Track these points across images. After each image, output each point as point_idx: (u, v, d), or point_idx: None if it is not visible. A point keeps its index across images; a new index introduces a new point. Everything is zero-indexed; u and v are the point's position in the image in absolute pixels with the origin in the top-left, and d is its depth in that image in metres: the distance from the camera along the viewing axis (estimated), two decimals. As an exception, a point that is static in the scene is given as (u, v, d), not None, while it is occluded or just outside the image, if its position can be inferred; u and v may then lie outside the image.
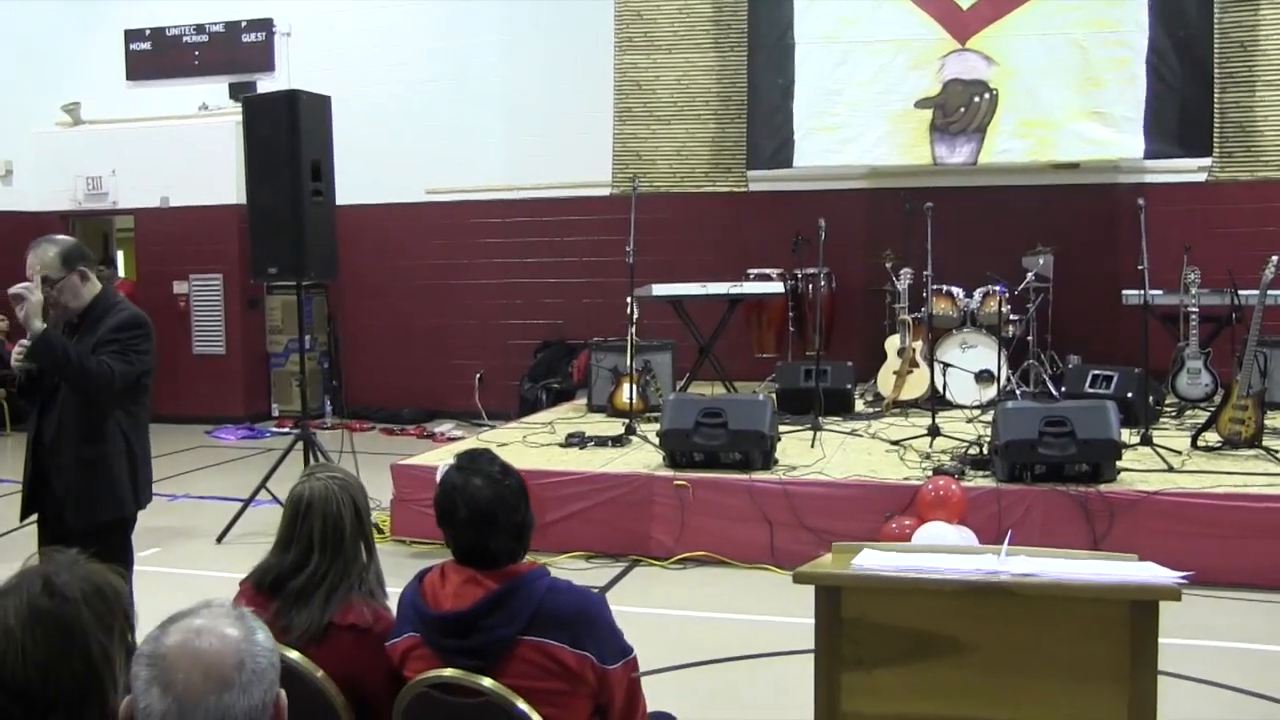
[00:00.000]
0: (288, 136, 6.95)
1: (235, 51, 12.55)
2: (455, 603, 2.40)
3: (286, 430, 11.44)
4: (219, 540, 7.01)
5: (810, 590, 2.53)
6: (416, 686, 2.36)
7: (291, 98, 7.01)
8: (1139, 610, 2.09)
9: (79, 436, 4.09)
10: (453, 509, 2.46)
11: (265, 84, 12.02)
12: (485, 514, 2.42)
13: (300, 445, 7.36)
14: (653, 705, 2.72)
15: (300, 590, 2.52)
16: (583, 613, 2.43)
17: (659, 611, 5.54)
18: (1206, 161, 9.97)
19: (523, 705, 2.28)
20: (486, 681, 2.30)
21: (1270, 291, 7.48)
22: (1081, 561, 2.25)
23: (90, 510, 4.08)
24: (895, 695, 2.23)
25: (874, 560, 2.28)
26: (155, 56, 12.77)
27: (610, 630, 2.46)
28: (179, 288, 12.29)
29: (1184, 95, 9.69)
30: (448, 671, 2.34)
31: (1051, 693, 2.16)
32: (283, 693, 1.58)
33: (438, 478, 6.58)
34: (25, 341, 3.98)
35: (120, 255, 13.79)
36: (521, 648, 2.35)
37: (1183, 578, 2.09)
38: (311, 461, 7.19)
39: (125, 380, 4.07)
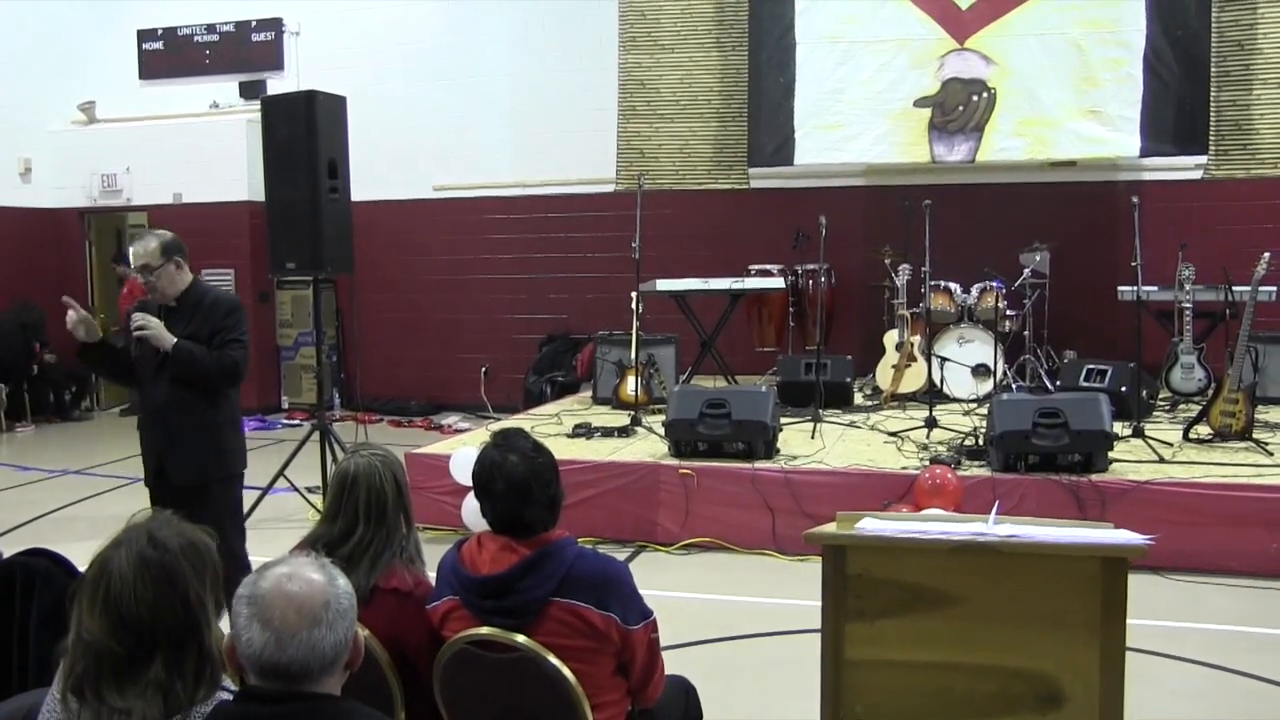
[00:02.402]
0: (305, 136, 7.14)
1: (245, 50, 12.74)
2: (492, 567, 2.62)
3: (297, 422, 11.66)
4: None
5: (808, 575, 2.74)
6: (456, 644, 2.57)
7: (309, 98, 7.20)
8: (1110, 567, 2.31)
9: (199, 403, 4.58)
10: (491, 483, 2.67)
11: (275, 82, 12.23)
12: (521, 487, 2.63)
13: (316, 435, 7.56)
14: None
15: (348, 557, 2.71)
16: (608, 577, 2.64)
17: (665, 594, 5.69)
18: (1203, 159, 10.08)
19: (554, 660, 2.49)
20: (520, 638, 2.52)
21: (1262, 287, 7.66)
22: (1060, 527, 2.48)
23: (200, 470, 4.56)
24: (894, 643, 2.46)
25: (875, 525, 2.51)
26: (167, 56, 12.97)
27: (633, 594, 2.67)
28: (191, 282, 12.48)
29: (1180, 94, 9.82)
30: (485, 630, 2.56)
31: (1032, 640, 2.39)
32: (360, 631, 1.80)
33: (451, 466, 6.77)
34: (141, 315, 4.45)
35: (132, 251, 13.97)
36: (552, 608, 2.56)
37: (1148, 540, 2.30)
38: (328, 450, 7.41)
39: (246, 364, 4.63)
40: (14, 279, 12.13)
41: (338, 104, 7.45)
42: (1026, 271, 9.39)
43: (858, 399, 9.17)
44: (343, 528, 2.79)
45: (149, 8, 12.94)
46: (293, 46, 12.63)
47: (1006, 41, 10.14)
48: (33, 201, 12.71)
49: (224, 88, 12.73)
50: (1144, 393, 7.79)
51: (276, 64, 12.61)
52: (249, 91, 12.37)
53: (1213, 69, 9.94)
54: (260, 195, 7.83)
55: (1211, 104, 9.95)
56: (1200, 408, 7.49)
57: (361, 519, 2.78)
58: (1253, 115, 10.06)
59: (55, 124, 12.86)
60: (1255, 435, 7.05)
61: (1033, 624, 2.37)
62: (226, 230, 12.27)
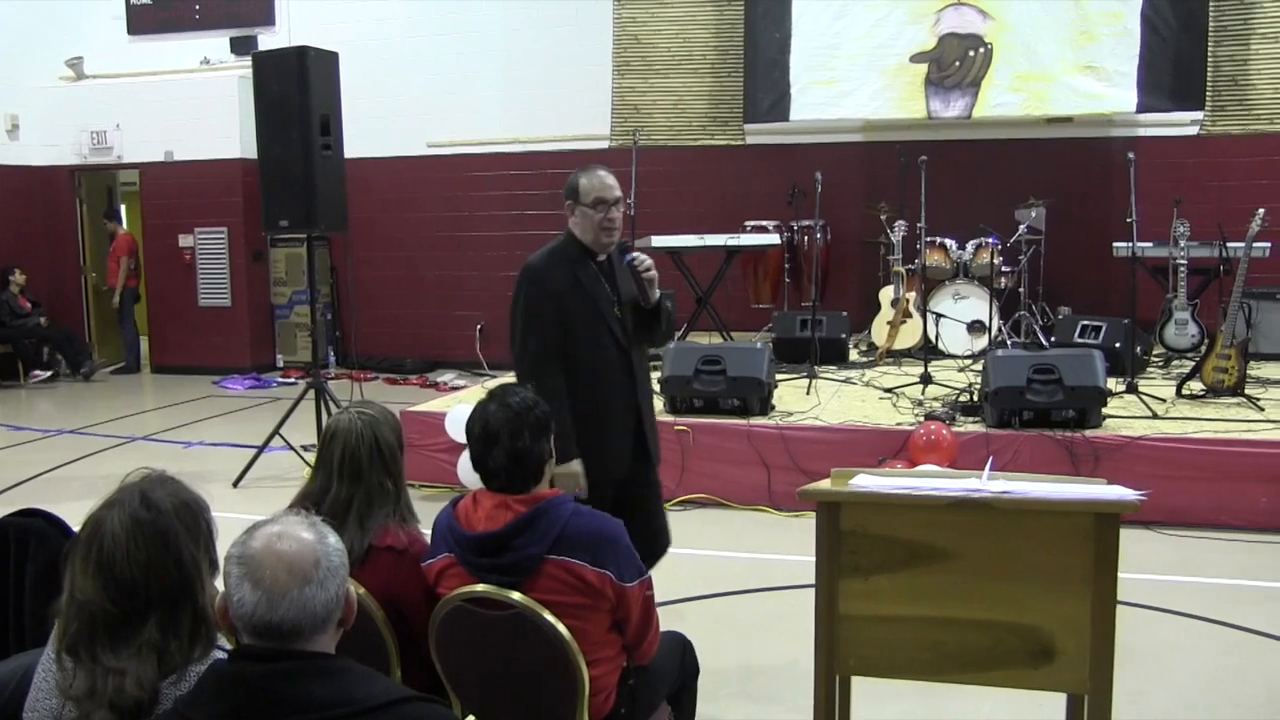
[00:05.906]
0: (297, 92, 7.07)
1: (235, 5, 12.57)
2: (488, 524, 2.62)
3: (293, 380, 11.65)
4: (235, 484, 7.23)
5: (803, 531, 2.74)
6: (452, 601, 2.58)
7: (301, 54, 7.12)
8: (1102, 522, 2.33)
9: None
10: (471, 425, 2.73)
11: (266, 38, 12.08)
12: (490, 434, 2.68)
13: (311, 394, 7.56)
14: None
15: (329, 513, 2.66)
16: (603, 535, 2.64)
17: (661, 550, 5.76)
18: (1199, 115, 10.05)
19: (549, 617, 2.50)
20: (516, 596, 2.53)
21: (1256, 244, 7.64)
22: (1053, 483, 2.49)
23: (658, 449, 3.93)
24: (888, 599, 2.48)
25: (870, 481, 2.52)
26: (156, 11, 12.79)
27: (628, 552, 2.67)
28: (184, 241, 12.44)
29: (1178, 49, 9.75)
30: (481, 587, 2.56)
31: (1025, 595, 2.41)
32: (352, 588, 1.80)
33: (446, 423, 6.78)
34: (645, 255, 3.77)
35: (124, 209, 13.90)
36: (548, 566, 2.57)
37: (1141, 495, 2.31)
38: (323, 408, 7.41)
39: None
40: (4, 238, 12.06)
41: (330, 60, 7.38)
42: (1022, 227, 9.37)
43: (853, 355, 9.18)
44: (320, 484, 2.79)
45: (137, -39, 12.78)
46: (283, 1, 12.47)
47: (1004, -5, 10.04)
48: (22, 159, 12.61)
49: (215, 43, 12.57)
50: (1138, 349, 7.80)
51: (267, 19, 12.45)
52: (240, 47, 12.23)
53: (1211, 23, 9.85)
54: (253, 152, 7.78)
55: (1209, 59, 9.88)
56: (1194, 364, 7.50)
57: (335, 476, 2.76)
58: (1250, 70, 9.98)
59: (43, 80, 12.71)
60: (1247, 391, 7.09)
61: (1025, 579, 2.39)
62: (219, 188, 12.21)
